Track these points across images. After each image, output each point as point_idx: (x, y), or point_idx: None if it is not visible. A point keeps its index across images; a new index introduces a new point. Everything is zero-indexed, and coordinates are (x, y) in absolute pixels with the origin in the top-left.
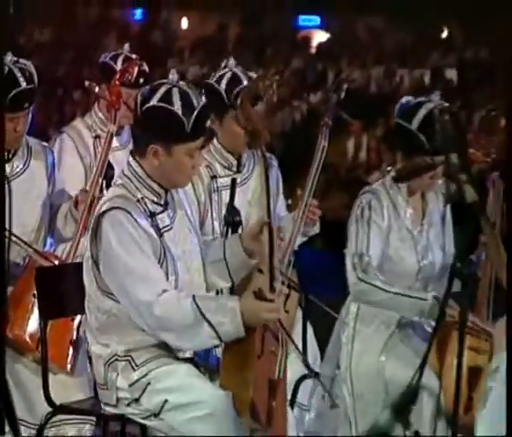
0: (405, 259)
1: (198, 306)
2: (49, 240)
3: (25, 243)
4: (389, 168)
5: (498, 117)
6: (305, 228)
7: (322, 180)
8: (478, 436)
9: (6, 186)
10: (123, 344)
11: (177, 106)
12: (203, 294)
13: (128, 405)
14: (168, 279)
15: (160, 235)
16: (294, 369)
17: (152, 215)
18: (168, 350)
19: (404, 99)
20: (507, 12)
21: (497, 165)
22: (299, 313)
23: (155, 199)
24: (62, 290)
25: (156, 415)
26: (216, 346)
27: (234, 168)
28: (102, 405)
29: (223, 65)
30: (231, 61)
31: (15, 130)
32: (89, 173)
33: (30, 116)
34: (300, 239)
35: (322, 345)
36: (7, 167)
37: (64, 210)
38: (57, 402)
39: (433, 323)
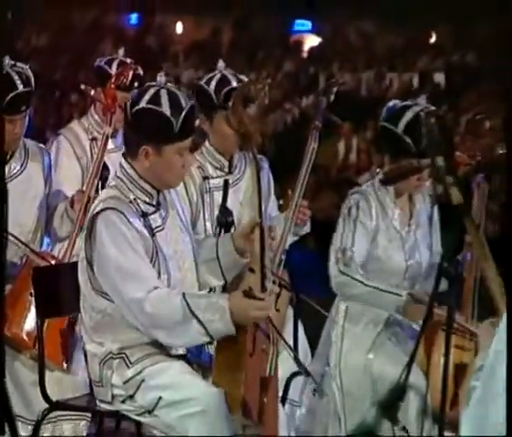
0: (393, 259)
1: (187, 303)
2: (46, 240)
3: (23, 243)
4: (378, 170)
5: (484, 121)
6: (296, 227)
7: (312, 181)
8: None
9: None
10: (117, 342)
11: (165, 107)
12: (193, 292)
13: (123, 402)
14: (160, 277)
15: (153, 235)
16: (285, 366)
17: (145, 215)
18: (161, 348)
19: (391, 103)
20: (494, 17)
21: (483, 167)
22: (290, 312)
23: (147, 200)
24: (58, 290)
25: (150, 412)
26: (209, 343)
27: (226, 170)
28: (97, 402)
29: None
30: (221, 63)
31: (12, 132)
32: (86, 174)
33: (27, 118)
34: (291, 239)
35: (313, 343)
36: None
37: (60, 210)
38: (54, 399)
39: (420, 322)
